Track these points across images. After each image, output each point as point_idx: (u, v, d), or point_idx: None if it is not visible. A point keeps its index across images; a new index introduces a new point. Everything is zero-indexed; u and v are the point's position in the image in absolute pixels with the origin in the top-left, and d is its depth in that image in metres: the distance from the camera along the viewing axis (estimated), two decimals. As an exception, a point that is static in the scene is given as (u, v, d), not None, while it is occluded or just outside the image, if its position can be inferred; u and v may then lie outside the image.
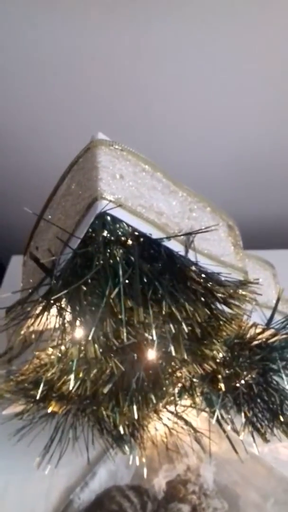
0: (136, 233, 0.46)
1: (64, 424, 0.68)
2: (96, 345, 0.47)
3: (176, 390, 0.58)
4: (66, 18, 0.87)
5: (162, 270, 0.45)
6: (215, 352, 0.52)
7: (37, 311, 0.49)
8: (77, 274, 0.47)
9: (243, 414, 0.63)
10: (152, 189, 0.50)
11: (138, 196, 0.47)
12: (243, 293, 0.49)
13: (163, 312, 0.44)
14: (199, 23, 0.88)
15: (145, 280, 0.45)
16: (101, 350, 0.48)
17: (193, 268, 0.46)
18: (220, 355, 0.54)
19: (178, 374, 0.55)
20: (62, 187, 0.53)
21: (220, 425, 0.67)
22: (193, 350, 0.51)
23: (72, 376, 0.48)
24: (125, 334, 0.45)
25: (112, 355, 0.49)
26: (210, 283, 0.47)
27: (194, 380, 0.57)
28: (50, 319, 0.51)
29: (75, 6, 0.86)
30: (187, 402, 0.68)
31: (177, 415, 0.70)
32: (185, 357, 0.48)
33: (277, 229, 1.24)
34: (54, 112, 1.03)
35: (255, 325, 0.60)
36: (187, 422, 0.70)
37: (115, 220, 0.45)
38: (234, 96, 0.99)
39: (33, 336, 0.56)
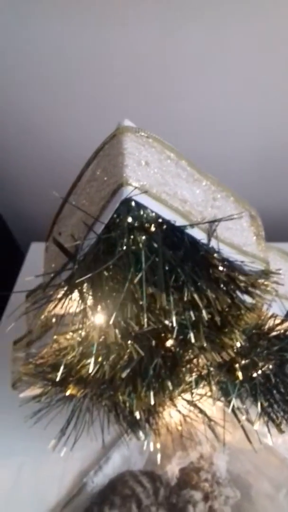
0: (160, 220, 0.46)
1: (81, 408, 0.69)
2: (116, 330, 0.48)
3: (193, 377, 0.58)
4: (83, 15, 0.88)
5: (185, 257, 0.45)
6: (234, 340, 0.52)
7: (59, 296, 0.50)
8: (100, 260, 0.47)
9: (259, 404, 0.63)
10: (176, 176, 0.50)
11: (163, 184, 0.47)
12: (265, 282, 0.49)
13: (185, 299, 0.44)
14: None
15: (167, 267, 0.45)
16: (120, 335, 0.48)
17: (216, 256, 0.46)
18: (239, 344, 0.54)
19: (196, 362, 0.56)
20: (87, 173, 0.53)
21: (235, 414, 0.67)
22: (212, 338, 0.51)
23: (92, 360, 0.49)
24: (145, 320, 0.46)
25: (131, 340, 0.49)
26: (232, 271, 0.47)
27: (211, 368, 0.57)
28: (72, 304, 0.52)
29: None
30: (203, 391, 0.68)
31: (192, 403, 0.70)
32: (204, 344, 0.49)
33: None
34: (78, 102, 1.03)
35: (274, 316, 0.60)
36: (201, 411, 0.70)
37: (139, 206, 0.45)
38: (255, 89, 0.98)
39: (53, 320, 0.57)
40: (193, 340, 0.48)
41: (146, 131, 0.50)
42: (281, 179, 1.14)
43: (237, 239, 0.53)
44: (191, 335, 0.48)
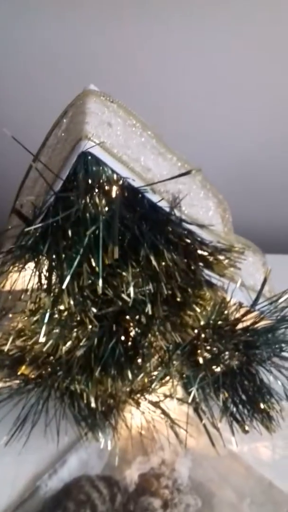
0: (120, 183, 0.45)
1: (38, 403, 0.65)
2: (70, 298, 0.46)
3: (153, 363, 0.55)
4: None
5: (143, 218, 0.43)
6: (194, 319, 0.50)
7: (14, 264, 0.48)
8: (57, 225, 0.45)
9: (221, 397, 0.60)
10: (140, 145, 0.49)
11: (125, 147, 0.46)
12: (227, 256, 0.47)
13: (140, 259, 0.43)
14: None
15: (124, 232, 0.44)
16: (74, 304, 0.46)
17: (176, 221, 0.45)
18: (200, 323, 0.52)
19: (156, 346, 0.53)
20: (51, 138, 0.52)
21: (198, 413, 0.64)
22: (171, 316, 0.49)
23: (43, 329, 0.46)
24: (100, 285, 0.44)
25: (86, 310, 0.47)
26: (192, 241, 0.45)
27: (172, 353, 0.54)
28: (28, 277, 0.50)
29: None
30: (165, 389, 0.66)
31: (155, 404, 0.68)
32: (161, 316, 0.47)
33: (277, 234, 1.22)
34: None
35: (240, 305, 0.58)
36: (165, 413, 0.67)
37: (99, 165, 0.44)
38: (236, 97, 0.99)
39: (9, 298, 0.54)
40: (150, 312, 0.46)
41: (112, 97, 0.49)
42: (259, 192, 1.14)
43: (202, 218, 0.51)
44: (149, 308, 0.46)
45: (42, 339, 0.47)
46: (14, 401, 0.66)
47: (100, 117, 0.46)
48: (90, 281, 0.46)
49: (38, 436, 0.68)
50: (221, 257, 0.46)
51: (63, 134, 0.47)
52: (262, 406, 0.61)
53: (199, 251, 0.45)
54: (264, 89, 1.00)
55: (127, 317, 0.53)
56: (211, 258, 0.45)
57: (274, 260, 0.73)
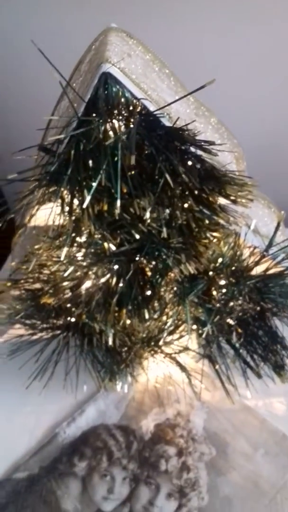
0: (138, 108, 0.48)
1: (57, 354, 0.68)
2: (90, 221, 0.48)
3: (169, 296, 0.57)
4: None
5: (159, 139, 0.46)
6: (207, 248, 0.52)
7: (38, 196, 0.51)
8: (78, 154, 0.48)
9: (234, 342, 0.62)
10: (158, 80, 0.52)
11: (144, 76, 0.49)
12: (241, 190, 0.49)
13: (156, 173, 0.45)
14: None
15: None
16: (95, 226, 0.49)
17: (192, 148, 0.47)
18: (212, 253, 0.54)
19: (171, 275, 0.55)
20: (74, 75, 0.55)
21: (215, 370, 0.66)
22: (186, 248, 0.52)
23: (64, 249, 0.49)
24: (118, 206, 0.46)
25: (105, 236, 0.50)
26: (206, 167, 0.48)
27: (186, 284, 0.56)
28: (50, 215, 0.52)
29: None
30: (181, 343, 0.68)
31: (171, 356, 0.69)
32: (177, 247, 0.49)
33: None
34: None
35: (254, 249, 0.60)
36: (181, 365, 0.69)
37: (118, 87, 0.47)
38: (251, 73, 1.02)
39: (33, 232, 0.58)
40: (165, 235, 0.48)
41: (131, 34, 0.52)
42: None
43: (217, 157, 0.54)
44: (164, 232, 0.48)
45: (63, 258, 0.50)
46: (35, 349, 0.68)
47: (121, 48, 0.49)
48: (109, 205, 0.48)
49: (57, 388, 0.71)
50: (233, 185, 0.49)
51: (86, 67, 0.51)
52: (274, 354, 0.62)
53: (212, 175, 0.47)
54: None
55: (143, 260, 0.55)
56: (223, 183, 0.48)
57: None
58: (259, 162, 1.15)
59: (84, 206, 0.47)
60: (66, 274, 0.52)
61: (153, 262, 0.55)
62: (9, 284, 0.60)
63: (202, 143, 0.46)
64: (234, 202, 0.49)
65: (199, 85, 0.44)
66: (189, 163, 0.46)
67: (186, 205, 0.49)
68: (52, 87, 0.49)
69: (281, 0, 0.93)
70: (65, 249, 0.50)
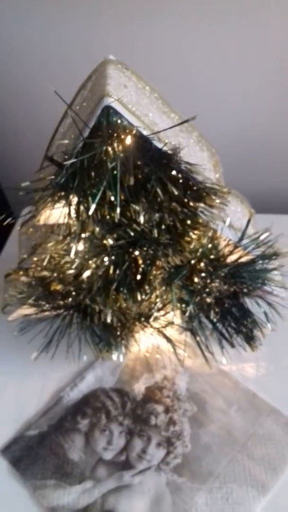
0: (133, 132, 0.58)
1: (61, 330, 0.79)
2: (94, 224, 0.59)
3: (157, 280, 0.69)
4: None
5: (151, 159, 0.56)
6: (190, 244, 0.63)
7: (48, 200, 0.61)
8: (83, 168, 0.58)
9: (212, 318, 0.74)
10: (149, 104, 0.62)
11: (137, 104, 0.59)
12: (215, 191, 0.60)
13: (149, 191, 0.56)
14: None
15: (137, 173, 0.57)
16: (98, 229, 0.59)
17: (176, 163, 0.58)
18: (196, 248, 0.66)
19: (159, 263, 0.67)
20: (77, 99, 0.65)
21: (196, 340, 0.78)
22: (173, 244, 0.63)
23: (73, 247, 0.60)
24: (118, 212, 0.57)
25: (106, 232, 0.61)
26: (188, 179, 0.58)
27: (172, 271, 0.67)
28: (58, 214, 0.63)
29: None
30: (168, 316, 0.79)
31: (159, 330, 0.81)
32: (165, 240, 0.60)
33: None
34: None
35: (228, 241, 0.71)
36: (167, 337, 0.81)
37: (117, 117, 0.56)
38: (235, 69, 1.09)
39: (43, 230, 0.68)
40: (156, 235, 0.59)
41: (126, 65, 0.62)
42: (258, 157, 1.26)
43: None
44: (155, 232, 0.59)
45: (72, 255, 0.61)
46: (42, 326, 0.79)
47: (118, 80, 0.59)
48: (109, 211, 0.59)
49: (61, 358, 0.82)
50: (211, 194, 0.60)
51: (89, 94, 0.60)
52: (245, 327, 0.74)
53: (194, 187, 0.58)
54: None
55: (136, 252, 0.66)
56: (203, 193, 0.58)
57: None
58: (238, 154, 1.26)
59: (90, 213, 0.57)
60: (73, 267, 0.63)
61: (145, 254, 0.67)
62: (21, 272, 0.71)
63: (187, 165, 0.56)
64: (212, 207, 0.60)
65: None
66: (176, 179, 0.57)
67: (172, 209, 0.60)
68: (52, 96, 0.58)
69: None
70: (74, 248, 0.60)
